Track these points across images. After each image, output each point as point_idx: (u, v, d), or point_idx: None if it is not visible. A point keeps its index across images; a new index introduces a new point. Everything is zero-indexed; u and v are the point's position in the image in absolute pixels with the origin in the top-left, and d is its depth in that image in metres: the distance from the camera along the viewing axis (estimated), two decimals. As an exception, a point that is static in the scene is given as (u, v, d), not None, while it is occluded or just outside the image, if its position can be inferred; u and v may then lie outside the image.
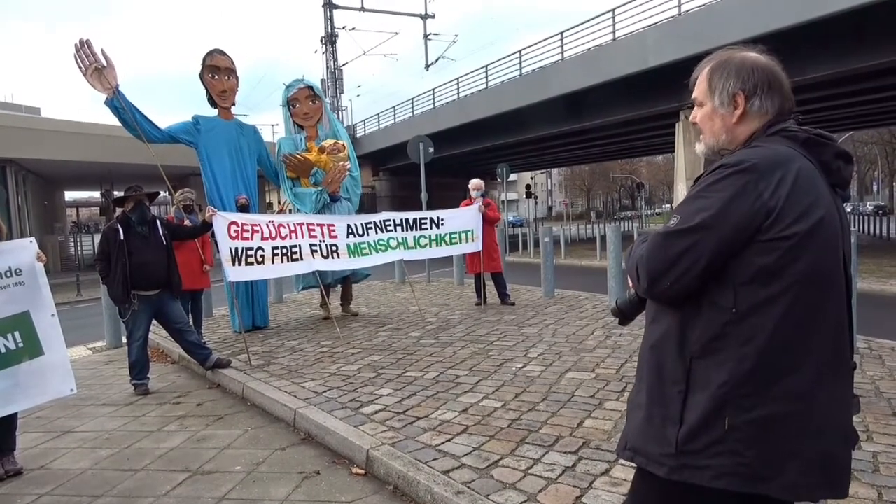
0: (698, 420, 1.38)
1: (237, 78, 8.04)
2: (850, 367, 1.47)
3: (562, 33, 21.58)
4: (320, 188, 8.29)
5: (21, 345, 3.92)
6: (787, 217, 1.33)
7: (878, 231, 25.89)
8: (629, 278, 1.62)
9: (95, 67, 6.49)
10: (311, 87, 8.74)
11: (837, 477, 1.42)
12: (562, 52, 21.61)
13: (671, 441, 1.42)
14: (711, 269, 1.37)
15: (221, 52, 7.88)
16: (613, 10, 19.22)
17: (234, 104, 8.07)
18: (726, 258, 1.37)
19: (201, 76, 7.81)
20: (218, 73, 7.80)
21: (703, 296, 1.41)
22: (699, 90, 1.59)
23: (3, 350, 3.82)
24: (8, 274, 3.94)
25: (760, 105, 1.50)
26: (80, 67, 6.51)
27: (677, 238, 1.40)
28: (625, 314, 1.75)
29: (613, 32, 19.28)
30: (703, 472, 1.38)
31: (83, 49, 6.49)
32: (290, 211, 8.78)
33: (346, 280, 8.79)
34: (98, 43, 6.58)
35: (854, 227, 26.15)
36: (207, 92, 7.86)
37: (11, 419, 3.94)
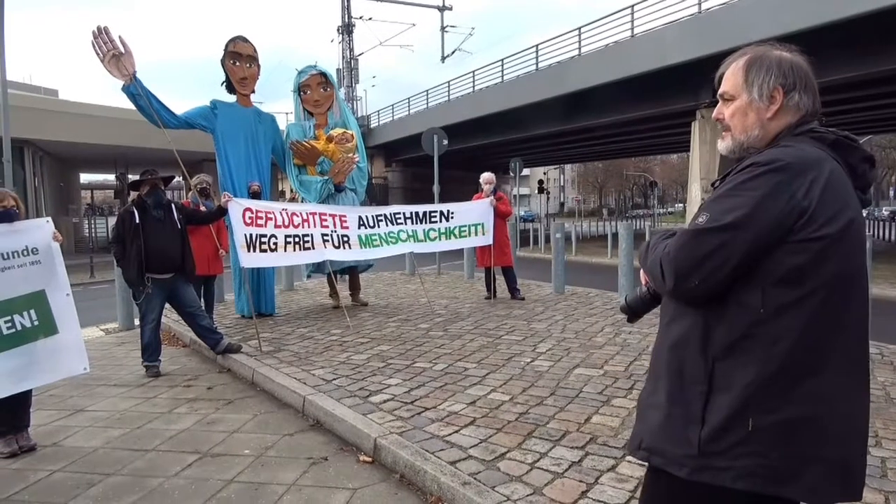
0: (721, 421, 1.38)
1: (259, 66, 8.05)
2: (868, 370, 1.48)
3: (580, 28, 21.47)
4: (326, 178, 8.30)
5: (36, 323, 3.96)
6: (819, 218, 1.32)
7: (892, 237, 25.63)
8: (644, 276, 1.60)
9: (113, 54, 6.54)
10: (323, 74, 8.68)
11: (855, 480, 1.42)
12: (579, 48, 21.49)
13: (693, 442, 1.41)
14: (741, 268, 1.36)
15: (244, 39, 7.89)
16: (632, 6, 19.09)
17: (253, 91, 8.08)
18: (756, 258, 1.35)
19: (223, 62, 7.82)
20: (239, 59, 7.82)
21: (729, 296, 1.40)
22: (731, 84, 1.56)
23: (19, 327, 3.87)
24: (25, 253, 3.98)
25: (798, 100, 1.49)
26: (97, 54, 6.55)
27: (708, 236, 1.38)
28: (634, 311, 1.73)
29: (632, 29, 19.16)
30: (726, 473, 1.37)
31: (101, 36, 6.53)
32: (302, 200, 8.80)
33: (353, 270, 8.82)
34: (116, 29, 6.62)
35: (869, 232, 25.92)
36: (227, 78, 7.88)
37: (26, 396, 4.00)
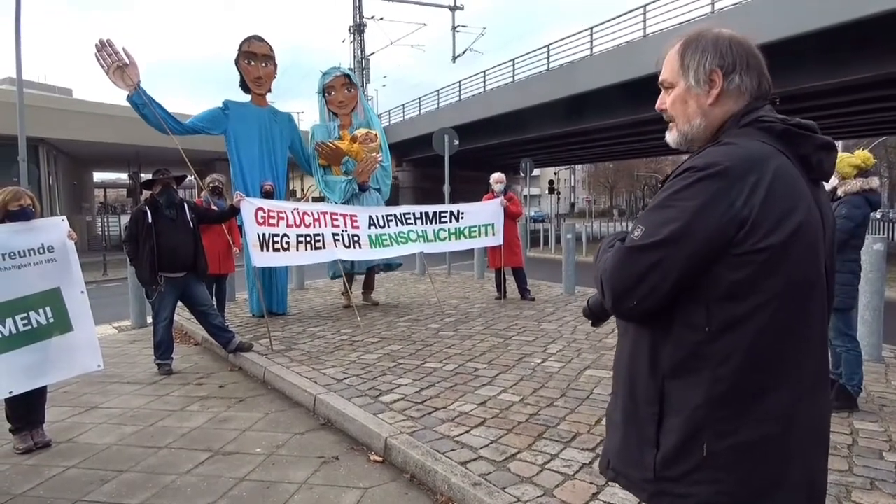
0: (675, 445, 1.30)
1: (275, 65, 8.09)
2: (829, 380, 1.39)
3: (591, 29, 21.38)
4: (350, 177, 8.36)
5: (52, 320, 4.00)
6: (761, 228, 1.20)
7: (907, 239, 25.36)
8: (599, 294, 1.49)
9: (118, 65, 6.59)
10: (347, 76, 8.82)
11: (820, 496, 1.36)
12: (591, 48, 21.40)
13: (649, 466, 1.34)
14: (681, 285, 1.26)
15: (259, 39, 7.93)
16: (645, 6, 19.00)
17: (269, 91, 8.13)
18: (697, 274, 1.24)
19: (237, 62, 7.86)
20: (254, 59, 7.86)
21: (673, 313, 1.29)
22: (669, 70, 1.43)
23: (35, 324, 3.91)
24: (41, 250, 4.02)
25: (740, 82, 1.34)
26: (102, 66, 6.61)
27: (642, 253, 1.26)
28: (597, 316, 1.65)
29: (644, 29, 19.06)
30: (684, 501, 1.30)
31: (105, 49, 6.59)
32: (327, 199, 8.84)
33: (371, 269, 8.86)
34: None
35: (883, 234, 25.65)
36: (242, 77, 7.91)
37: (41, 392, 4.05)
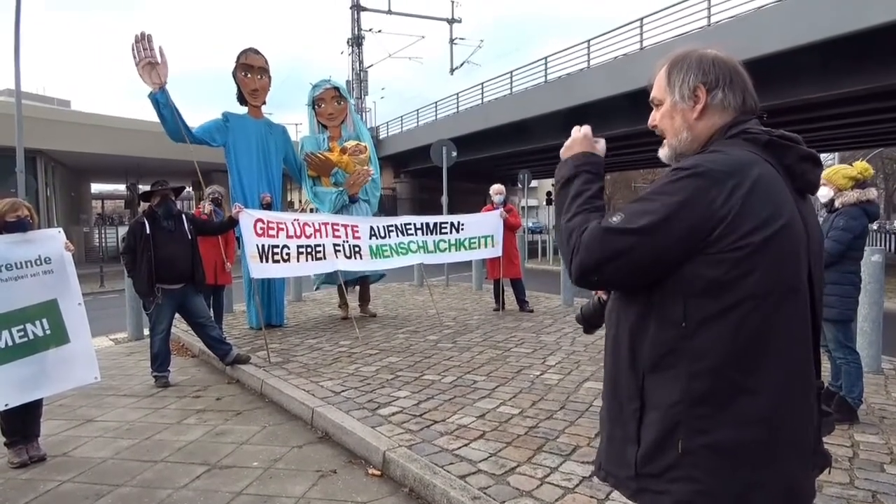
0: (653, 441, 1.32)
1: (270, 77, 8.16)
2: (817, 387, 1.38)
3: (588, 41, 21.51)
4: (340, 189, 8.39)
5: (48, 332, 3.99)
6: (739, 228, 1.23)
7: (904, 250, 25.39)
8: (561, 254, 1.46)
9: (149, 61, 6.67)
10: (337, 88, 8.86)
11: (802, 502, 1.35)
12: (588, 60, 21.52)
13: (630, 463, 1.36)
14: (649, 275, 1.30)
15: (256, 52, 8.00)
16: (641, 19, 19.12)
17: (264, 103, 8.18)
18: (667, 267, 1.28)
19: (234, 73, 7.92)
20: (251, 71, 7.92)
21: (652, 308, 1.33)
22: (657, 88, 1.50)
23: (31, 336, 3.90)
24: (38, 262, 4.02)
25: (723, 98, 1.41)
26: (134, 57, 6.69)
27: (617, 236, 1.29)
28: (590, 322, 1.65)
29: (641, 42, 19.17)
30: (663, 498, 1.31)
31: (142, 42, 6.69)
32: (312, 210, 8.88)
33: (364, 280, 8.85)
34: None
35: (880, 245, 25.69)
36: (239, 89, 7.96)
37: (37, 405, 4.02)
